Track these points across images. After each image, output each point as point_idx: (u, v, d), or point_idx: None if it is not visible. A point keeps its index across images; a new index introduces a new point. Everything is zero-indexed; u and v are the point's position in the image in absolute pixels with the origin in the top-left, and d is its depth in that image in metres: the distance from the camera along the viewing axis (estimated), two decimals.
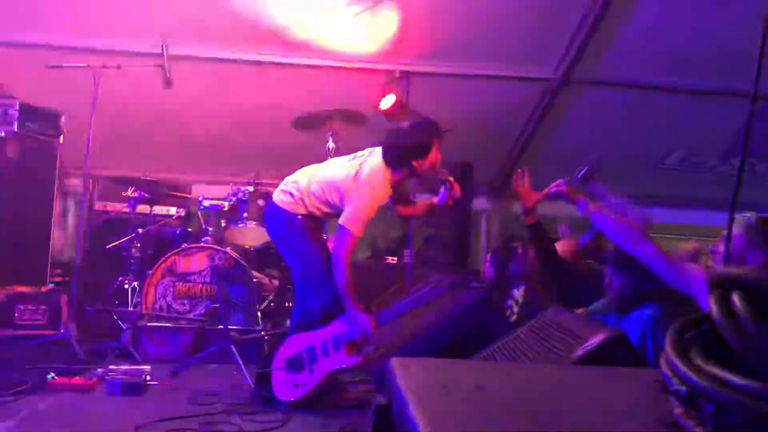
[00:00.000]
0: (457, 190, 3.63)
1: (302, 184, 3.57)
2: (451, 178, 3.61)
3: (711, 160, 6.72)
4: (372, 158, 3.51)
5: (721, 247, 2.89)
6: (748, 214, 2.81)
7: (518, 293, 3.58)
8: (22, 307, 4.40)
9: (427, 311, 3.23)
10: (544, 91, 5.96)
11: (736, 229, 2.71)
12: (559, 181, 3.26)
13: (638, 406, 1.08)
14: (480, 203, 7.12)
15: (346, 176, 3.46)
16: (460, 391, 1.08)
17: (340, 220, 3.37)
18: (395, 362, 1.20)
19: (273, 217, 3.64)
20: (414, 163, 3.46)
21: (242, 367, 3.85)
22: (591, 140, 6.52)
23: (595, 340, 1.96)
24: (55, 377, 3.53)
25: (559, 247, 4.13)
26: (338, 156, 5.14)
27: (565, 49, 5.48)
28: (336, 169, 3.58)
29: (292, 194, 3.57)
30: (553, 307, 2.57)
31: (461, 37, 5.46)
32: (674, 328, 1.00)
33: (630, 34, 5.26)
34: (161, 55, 4.35)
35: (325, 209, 3.55)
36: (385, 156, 3.47)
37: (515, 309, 3.51)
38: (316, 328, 3.45)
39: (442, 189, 3.66)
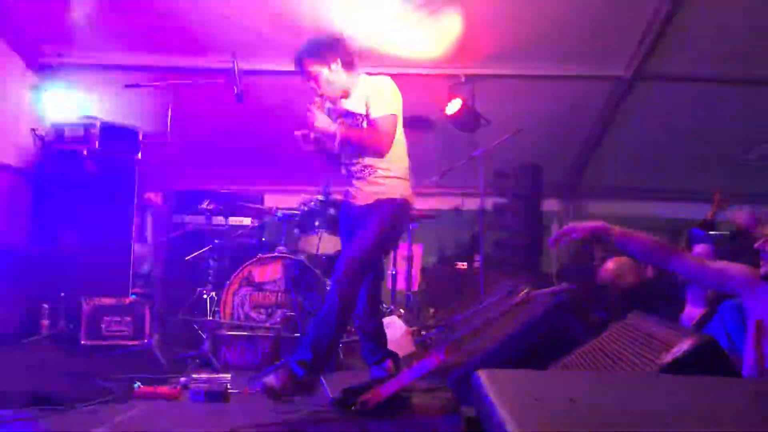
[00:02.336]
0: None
1: None
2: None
3: None
4: None
5: None
6: None
7: None
8: (108, 318, 4.58)
9: (504, 318, 3.20)
10: (613, 89, 5.85)
11: None
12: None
13: (747, 420, 1.05)
14: (550, 205, 7.02)
15: None
16: (553, 404, 1.07)
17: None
18: (483, 374, 1.20)
19: None
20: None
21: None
22: (664, 137, 6.36)
23: (684, 346, 1.90)
24: (141, 386, 3.64)
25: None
26: None
27: (636, 45, 5.36)
28: None
29: None
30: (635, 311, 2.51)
31: (526, 38, 5.41)
32: None
33: (705, 27, 5.10)
34: (232, 70, 4.46)
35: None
36: None
37: None
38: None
39: None
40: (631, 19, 5.19)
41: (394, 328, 4.57)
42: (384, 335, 3.80)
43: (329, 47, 3.46)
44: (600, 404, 1.14)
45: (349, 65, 3.48)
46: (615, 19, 5.22)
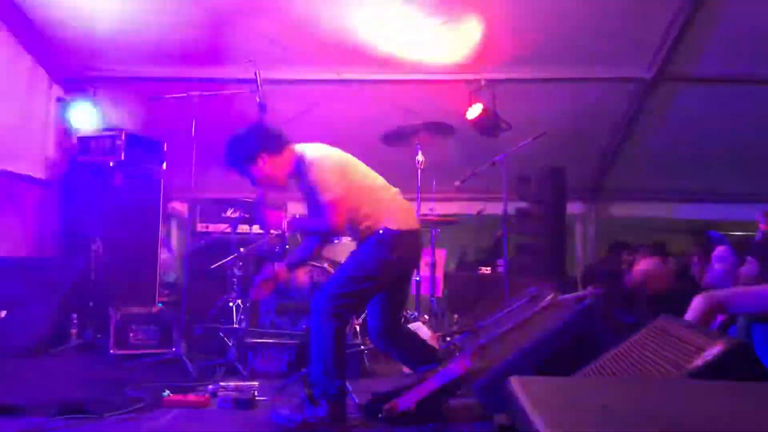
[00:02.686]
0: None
1: None
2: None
3: None
4: None
5: None
6: None
7: None
8: (135, 327, 4.64)
9: (529, 323, 3.19)
10: (636, 91, 5.81)
11: None
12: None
13: None
14: (574, 208, 6.98)
15: None
16: (587, 411, 1.07)
17: None
18: (516, 381, 1.20)
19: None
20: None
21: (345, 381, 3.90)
22: (687, 139, 6.30)
23: (715, 350, 1.88)
24: (171, 394, 3.69)
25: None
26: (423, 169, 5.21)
27: (658, 47, 5.32)
28: None
29: None
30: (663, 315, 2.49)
31: (546, 41, 5.40)
32: None
33: (728, 26, 5.06)
34: (254, 81, 4.50)
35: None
36: None
37: None
38: None
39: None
40: (653, 19, 5.15)
41: (420, 333, 4.57)
42: (416, 346, 3.79)
43: (247, 147, 3.40)
44: (633, 410, 1.14)
45: (276, 150, 3.41)
46: (636, 20, 5.19)
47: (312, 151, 3.40)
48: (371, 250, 3.40)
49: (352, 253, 3.54)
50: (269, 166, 3.39)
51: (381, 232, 3.39)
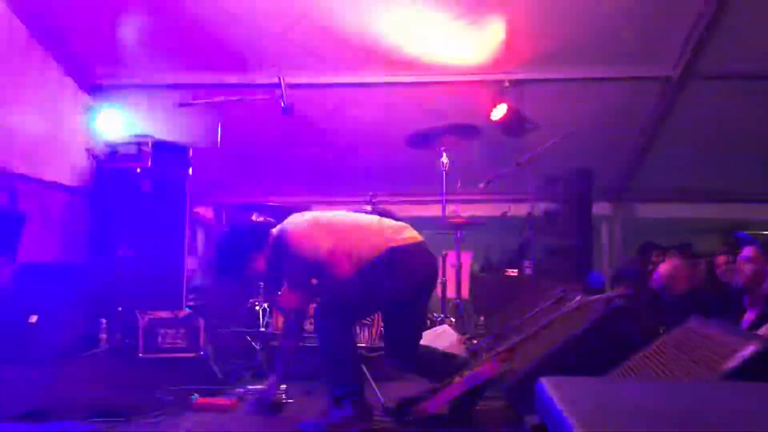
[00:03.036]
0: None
1: None
2: None
3: None
4: None
5: None
6: None
7: None
8: (163, 331, 4.66)
9: (556, 325, 3.16)
10: (663, 90, 5.74)
11: None
12: None
13: None
14: (600, 208, 6.90)
15: None
16: (619, 412, 1.06)
17: None
18: (547, 383, 1.19)
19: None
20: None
21: (372, 382, 3.90)
22: (716, 137, 6.21)
23: (748, 351, 1.85)
24: (199, 397, 3.71)
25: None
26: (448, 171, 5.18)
27: (683, 44, 5.26)
28: None
29: None
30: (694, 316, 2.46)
31: (570, 40, 5.36)
32: None
33: (756, 22, 4.98)
34: (279, 85, 4.52)
35: None
36: None
37: None
38: None
39: None
40: (678, 17, 5.09)
41: (446, 336, 4.56)
42: (426, 368, 3.71)
43: (242, 251, 3.44)
44: (665, 412, 1.12)
45: (262, 245, 3.45)
46: (661, 18, 5.14)
47: (278, 230, 3.45)
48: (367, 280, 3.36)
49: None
50: (261, 262, 3.45)
51: (368, 263, 3.34)
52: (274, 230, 3.48)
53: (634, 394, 1.18)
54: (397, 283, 3.37)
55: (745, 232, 4.80)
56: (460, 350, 4.46)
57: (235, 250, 3.46)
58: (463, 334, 4.89)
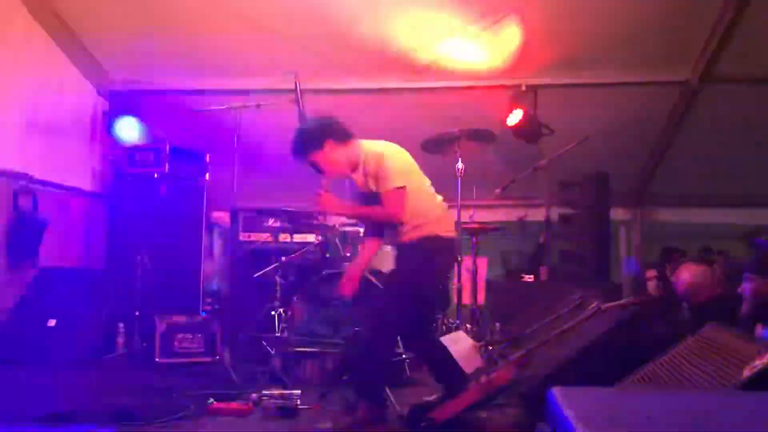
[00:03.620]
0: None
1: None
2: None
3: None
4: None
5: None
6: None
7: None
8: (180, 336, 4.71)
9: (573, 332, 3.14)
10: (681, 94, 5.69)
11: None
12: None
13: None
14: (617, 213, 6.85)
15: None
16: (631, 422, 1.05)
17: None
18: (558, 392, 1.18)
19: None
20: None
21: (387, 389, 3.89)
22: (734, 142, 6.15)
23: (765, 360, 1.82)
24: (215, 402, 3.73)
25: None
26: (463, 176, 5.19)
27: (702, 48, 5.22)
28: None
29: None
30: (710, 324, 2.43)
31: (587, 45, 5.34)
32: None
33: None
34: (294, 91, 4.54)
35: None
36: None
37: None
38: None
39: None
40: (696, 20, 5.05)
41: (462, 342, 4.53)
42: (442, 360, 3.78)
43: (315, 134, 3.55)
44: (678, 422, 1.11)
45: (342, 140, 3.54)
46: (678, 22, 5.10)
47: (384, 145, 3.56)
48: (417, 254, 3.48)
49: (398, 262, 3.64)
50: (334, 153, 3.53)
51: (429, 236, 3.47)
52: (367, 143, 3.58)
53: (645, 403, 1.17)
54: (441, 271, 3.68)
55: (763, 239, 4.73)
56: (476, 356, 4.45)
57: (313, 132, 3.57)
58: (480, 340, 4.87)
